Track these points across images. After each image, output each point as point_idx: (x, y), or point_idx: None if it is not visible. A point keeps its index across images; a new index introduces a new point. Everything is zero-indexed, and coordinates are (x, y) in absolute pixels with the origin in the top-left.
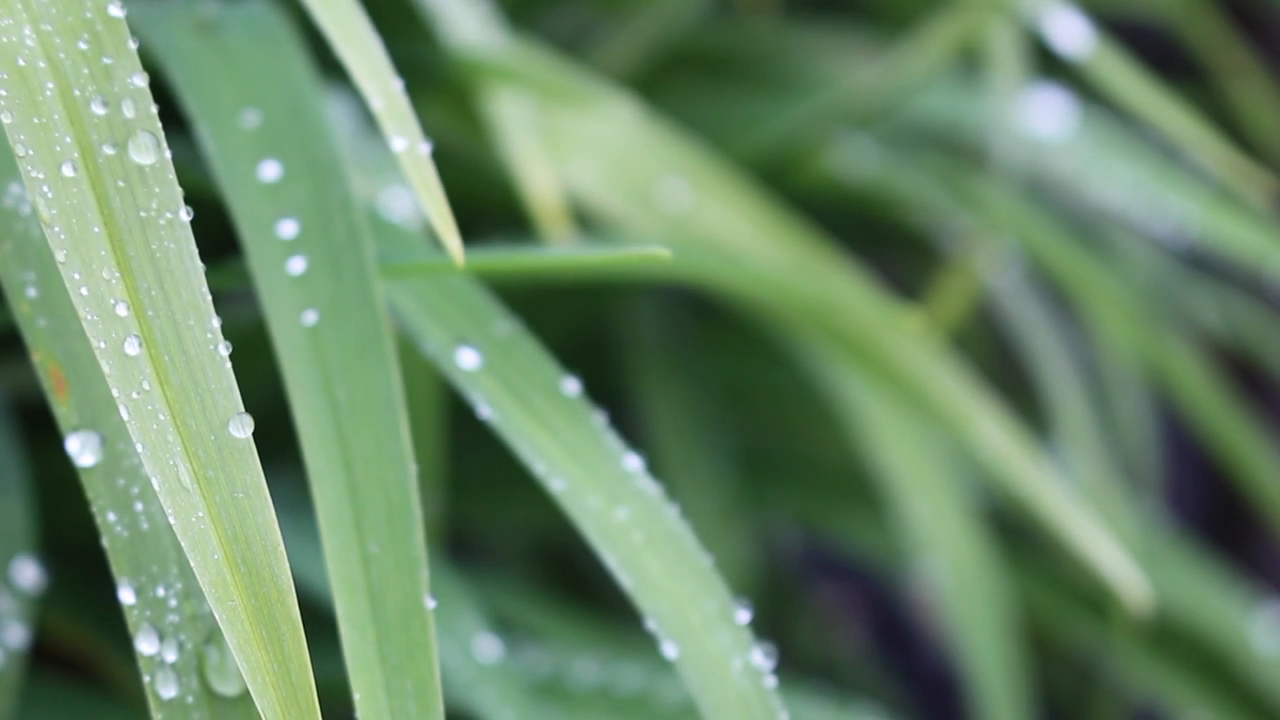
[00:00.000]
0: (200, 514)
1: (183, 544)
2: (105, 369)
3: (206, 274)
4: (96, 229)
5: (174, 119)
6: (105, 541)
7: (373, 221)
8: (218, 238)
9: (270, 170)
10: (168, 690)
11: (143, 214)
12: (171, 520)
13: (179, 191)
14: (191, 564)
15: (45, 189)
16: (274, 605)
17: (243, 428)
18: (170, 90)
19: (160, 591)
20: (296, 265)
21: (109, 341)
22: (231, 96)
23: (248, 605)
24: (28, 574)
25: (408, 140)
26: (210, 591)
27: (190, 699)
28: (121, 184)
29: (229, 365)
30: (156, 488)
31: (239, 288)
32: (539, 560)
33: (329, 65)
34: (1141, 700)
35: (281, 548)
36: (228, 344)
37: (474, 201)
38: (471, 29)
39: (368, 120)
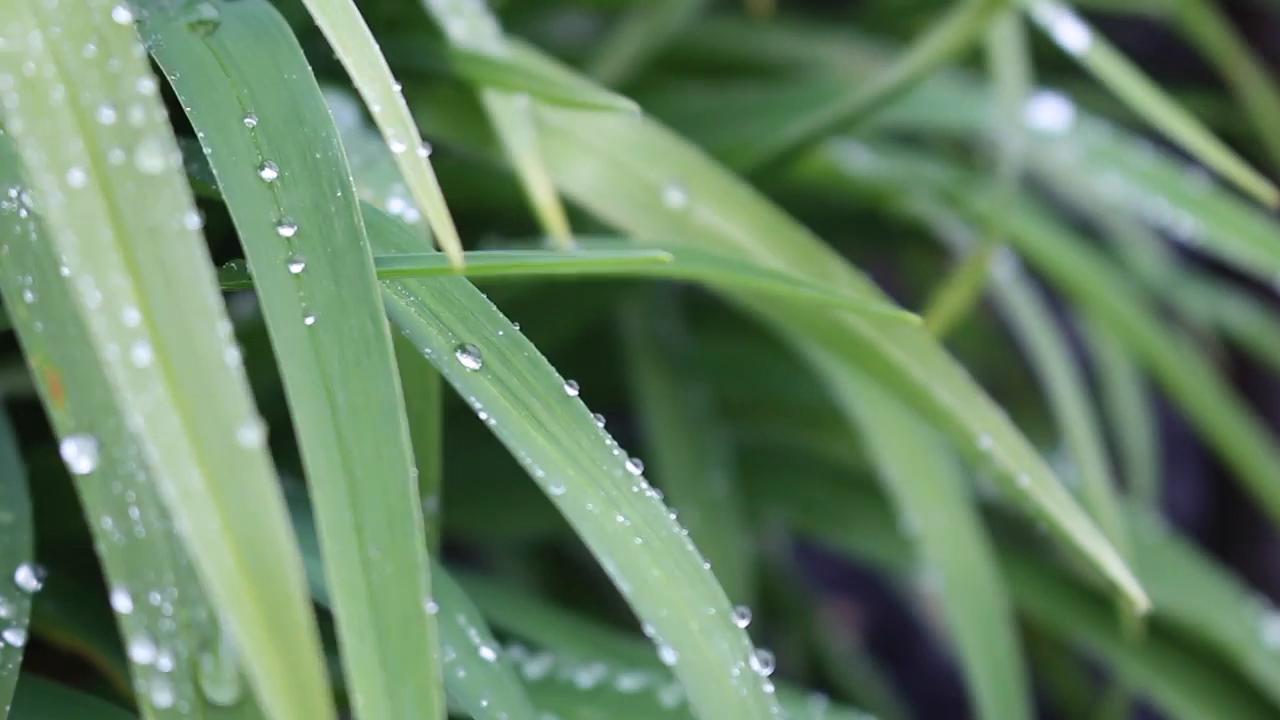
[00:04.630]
0: (213, 522)
1: (194, 552)
2: (116, 377)
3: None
4: (106, 236)
5: (171, 118)
6: (100, 547)
7: (373, 223)
8: (218, 239)
9: (270, 172)
10: (162, 698)
11: (152, 220)
12: (183, 528)
13: (188, 197)
14: (203, 571)
15: (55, 196)
16: (286, 612)
17: (254, 434)
18: (169, 91)
19: (156, 598)
20: (296, 267)
21: (120, 349)
22: (231, 97)
23: (260, 612)
24: (23, 576)
25: (406, 143)
26: (222, 599)
27: (185, 707)
28: (131, 190)
29: (240, 371)
30: (168, 495)
31: (239, 289)
32: (535, 567)
33: (330, 65)
34: (1143, 703)
35: (294, 554)
36: (237, 350)
37: (477, 204)
38: (475, 32)
39: (368, 120)
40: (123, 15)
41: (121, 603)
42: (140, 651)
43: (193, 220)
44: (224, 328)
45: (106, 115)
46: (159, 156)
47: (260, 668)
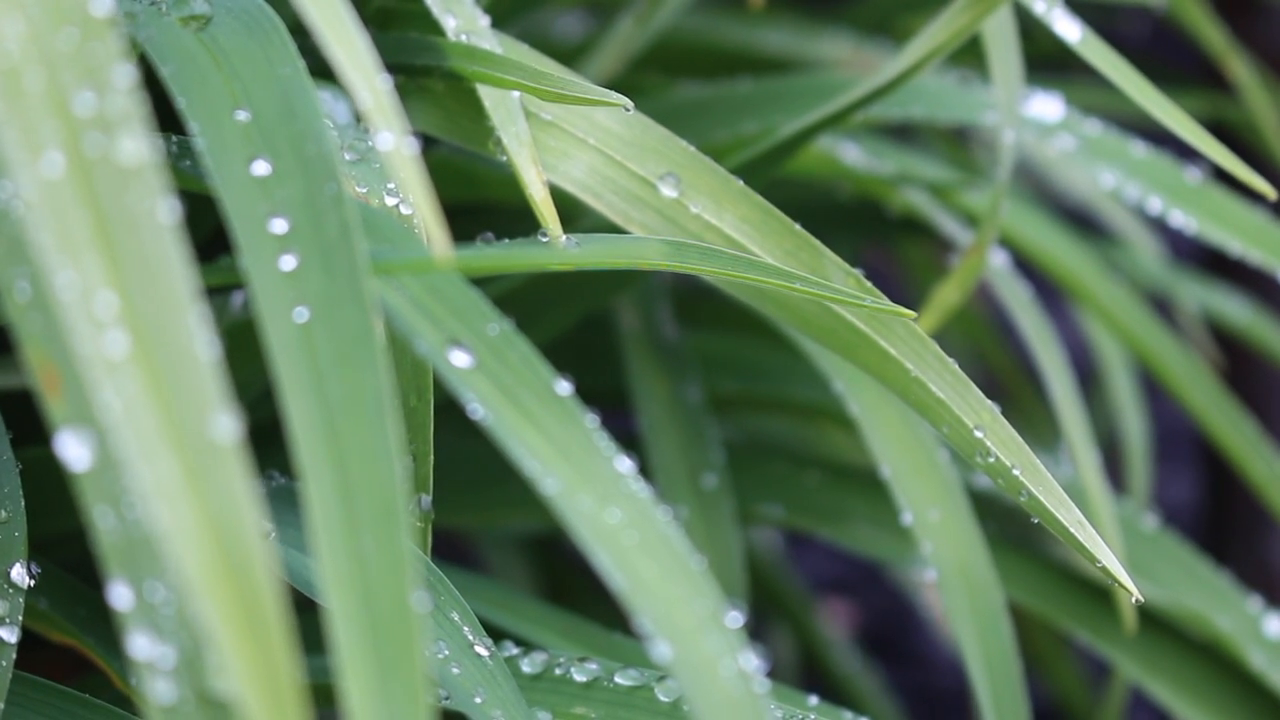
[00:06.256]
0: (187, 517)
1: (169, 547)
2: (92, 371)
3: (198, 272)
4: (84, 229)
5: (165, 114)
6: (96, 541)
7: (366, 219)
8: (210, 234)
9: (262, 166)
10: (163, 694)
11: (131, 213)
12: (157, 523)
13: (168, 189)
14: (177, 567)
15: (32, 188)
16: (260, 605)
17: (231, 429)
18: (161, 85)
19: (154, 592)
20: (288, 262)
21: (95, 343)
22: (223, 91)
23: (234, 605)
24: (16, 573)
25: (394, 137)
26: (196, 595)
27: (186, 702)
28: (110, 182)
29: (218, 366)
30: (143, 490)
31: (231, 284)
32: (529, 563)
33: (325, 61)
34: (1138, 697)
35: (270, 550)
36: (217, 344)
37: (472, 199)
38: (469, 27)
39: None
40: (105, 4)
41: (120, 596)
42: (141, 646)
43: (173, 213)
44: (204, 322)
45: (87, 106)
46: (139, 148)
47: (234, 660)
